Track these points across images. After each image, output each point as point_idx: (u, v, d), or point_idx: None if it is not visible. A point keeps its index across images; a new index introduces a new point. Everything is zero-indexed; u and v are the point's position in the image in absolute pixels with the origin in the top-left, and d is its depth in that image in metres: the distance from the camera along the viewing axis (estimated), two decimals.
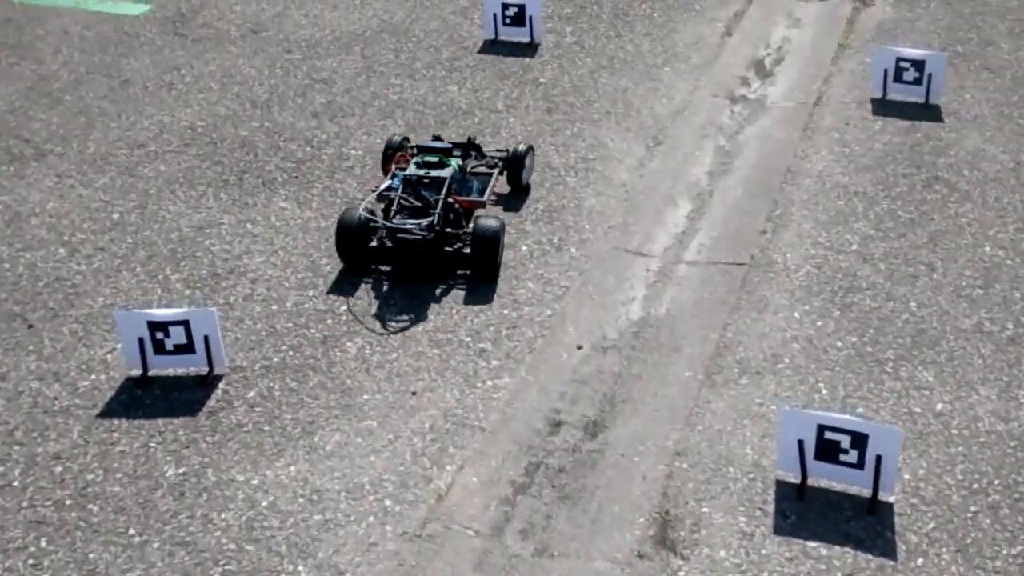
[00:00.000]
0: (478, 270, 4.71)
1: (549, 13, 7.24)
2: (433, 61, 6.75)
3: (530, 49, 6.85)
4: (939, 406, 4.09)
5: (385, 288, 4.76)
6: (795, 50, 6.92)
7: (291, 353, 4.40)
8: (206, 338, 4.19)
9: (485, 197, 4.99)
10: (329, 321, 4.57)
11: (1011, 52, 6.69)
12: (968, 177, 5.48)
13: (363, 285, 4.78)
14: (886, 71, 6.17)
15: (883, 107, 6.14)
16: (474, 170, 5.17)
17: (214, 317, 4.19)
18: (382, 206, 4.92)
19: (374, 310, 4.63)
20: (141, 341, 4.19)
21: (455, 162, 4.99)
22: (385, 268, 4.86)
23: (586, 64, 6.68)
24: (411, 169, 4.89)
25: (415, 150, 5.16)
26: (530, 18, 6.85)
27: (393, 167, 5.01)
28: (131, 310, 4.47)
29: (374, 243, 4.75)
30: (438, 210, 4.65)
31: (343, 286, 4.76)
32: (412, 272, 4.76)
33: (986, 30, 6.97)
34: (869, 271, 4.83)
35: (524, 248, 5.04)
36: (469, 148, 5.24)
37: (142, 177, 5.58)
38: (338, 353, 4.39)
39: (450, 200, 4.76)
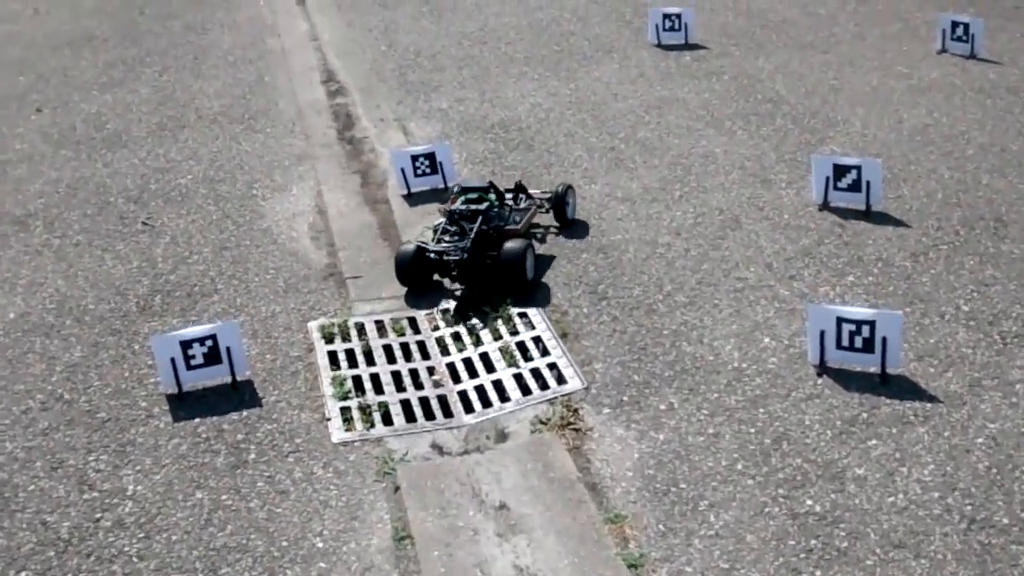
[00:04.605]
0: (507, 284, 5.45)
1: None
2: None
3: None
4: None
5: None
6: None
7: None
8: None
9: (519, 226, 5.69)
10: None
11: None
12: None
13: None
14: None
15: None
16: (521, 207, 5.92)
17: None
18: (432, 235, 5.65)
19: None
20: None
21: (492, 197, 5.76)
22: None
23: None
24: (456, 204, 5.72)
25: (458, 189, 5.91)
26: None
27: (446, 206, 5.81)
28: None
29: (432, 262, 5.51)
30: (471, 235, 5.47)
31: None
32: (460, 284, 5.55)
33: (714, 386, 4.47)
34: None
35: None
36: (517, 191, 6.04)
37: None
38: None
39: (484, 228, 5.55)
